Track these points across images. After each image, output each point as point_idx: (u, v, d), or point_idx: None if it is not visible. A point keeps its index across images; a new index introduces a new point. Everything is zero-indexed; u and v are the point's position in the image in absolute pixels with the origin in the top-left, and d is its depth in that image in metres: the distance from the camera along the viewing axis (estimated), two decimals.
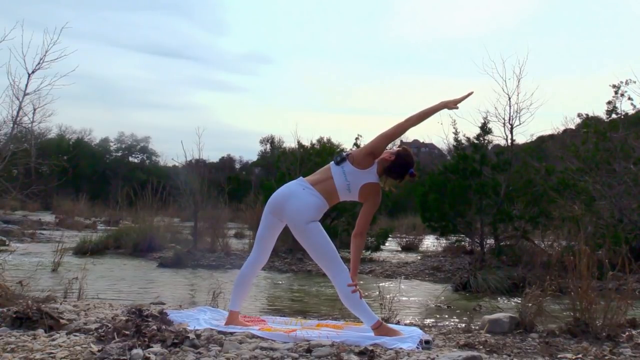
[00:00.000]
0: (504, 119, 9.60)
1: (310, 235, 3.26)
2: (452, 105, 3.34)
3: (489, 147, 10.28)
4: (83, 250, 9.53)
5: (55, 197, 20.66)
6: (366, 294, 3.29)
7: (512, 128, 9.60)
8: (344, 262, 3.31)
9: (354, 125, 65.35)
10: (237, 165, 45.55)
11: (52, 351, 2.58)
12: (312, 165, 11.78)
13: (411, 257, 11.20)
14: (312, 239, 3.26)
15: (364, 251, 8.80)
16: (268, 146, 44.63)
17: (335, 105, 70.68)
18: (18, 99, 4.90)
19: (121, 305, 4.25)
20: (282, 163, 12.12)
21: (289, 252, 10.21)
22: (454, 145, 10.50)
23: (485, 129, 9.80)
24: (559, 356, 2.94)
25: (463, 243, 11.17)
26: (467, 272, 7.97)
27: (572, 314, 3.57)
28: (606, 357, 2.92)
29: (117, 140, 43.48)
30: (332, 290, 6.82)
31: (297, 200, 3.29)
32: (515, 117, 9.52)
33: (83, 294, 4.81)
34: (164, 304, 4.74)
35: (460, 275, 7.99)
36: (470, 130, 22.96)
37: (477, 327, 3.74)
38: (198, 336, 2.91)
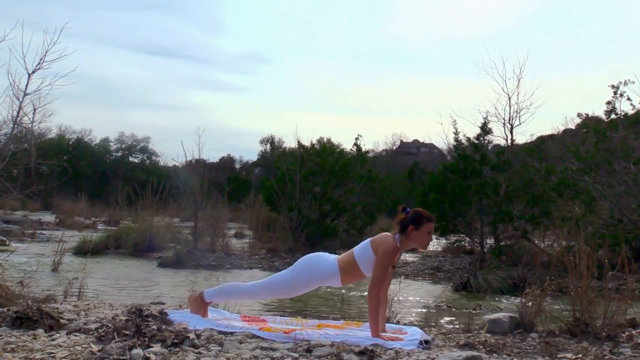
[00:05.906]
0: (504, 119, 9.63)
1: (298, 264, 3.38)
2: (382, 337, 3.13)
3: (489, 147, 10.30)
4: (83, 250, 9.54)
5: (56, 197, 20.66)
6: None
7: (512, 128, 9.62)
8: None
9: (354, 125, 65.33)
10: (237, 165, 45.53)
11: (52, 351, 2.58)
12: (312, 166, 11.79)
13: (411, 257, 11.19)
14: (297, 265, 3.37)
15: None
16: (268, 146, 44.66)
17: (335, 105, 70.65)
18: (18, 99, 4.89)
19: (121, 305, 4.24)
20: (282, 163, 12.13)
21: (288, 252, 10.20)
22: (454, 145, 10.52)
23: (485, 129, 9.82)
24: (559, 356, 2.94)
25: (463, 243, 11.18)
26: (467, 272, 7.98)
27: (572, 314, 3.57)
28: (606, 357, 2.92)
29: (117, 140, 43.48)
30: (331, 290, 6.83)
31: None
32: (515, 117, 9.56)
33: (83, 294, 4.81)
34: (164, 304, 4.74)
35: (460, 275, 8.00)
36: (470, 130, 22.94)
37: (477, 327, 3.74)
38: (198, 336, 2.91)
